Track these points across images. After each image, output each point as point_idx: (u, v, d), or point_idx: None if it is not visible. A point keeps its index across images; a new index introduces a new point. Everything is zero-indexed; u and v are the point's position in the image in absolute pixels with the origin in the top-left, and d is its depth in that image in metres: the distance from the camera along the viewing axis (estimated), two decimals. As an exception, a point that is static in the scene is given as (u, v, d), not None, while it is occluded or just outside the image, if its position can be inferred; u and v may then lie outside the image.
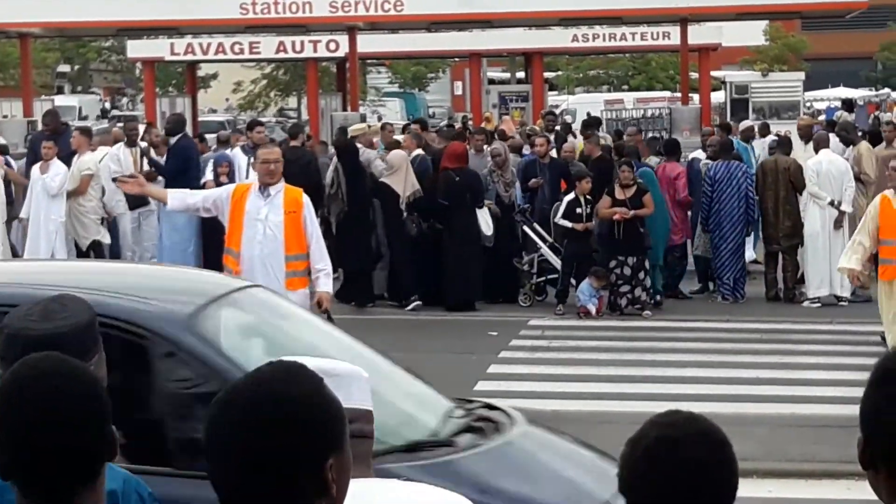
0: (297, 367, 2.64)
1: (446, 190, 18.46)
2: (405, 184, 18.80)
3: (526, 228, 19.16)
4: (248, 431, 2.51)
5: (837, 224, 18.68)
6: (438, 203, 18.49)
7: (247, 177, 18.85)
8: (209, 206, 11.57)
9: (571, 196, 18.50)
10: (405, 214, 18.72)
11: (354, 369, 3.46)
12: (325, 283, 11.48)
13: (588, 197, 18.40)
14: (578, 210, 18.36)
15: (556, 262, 18.68)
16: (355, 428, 3.28)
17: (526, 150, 21.70)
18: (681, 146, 21.10)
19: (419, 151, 19.71)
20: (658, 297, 18.71)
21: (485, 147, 20.78)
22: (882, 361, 2.68)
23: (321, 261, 11.44)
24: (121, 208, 20.23)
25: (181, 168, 19.42)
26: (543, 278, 19.10)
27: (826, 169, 18.79)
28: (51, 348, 2.94)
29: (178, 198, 11.86)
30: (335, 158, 19.45)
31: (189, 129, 31.00)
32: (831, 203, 18.67)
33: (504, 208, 19.19)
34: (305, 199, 11.64)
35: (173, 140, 20.44)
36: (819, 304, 18.56)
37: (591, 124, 24.99)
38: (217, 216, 11.72)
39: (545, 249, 18.87)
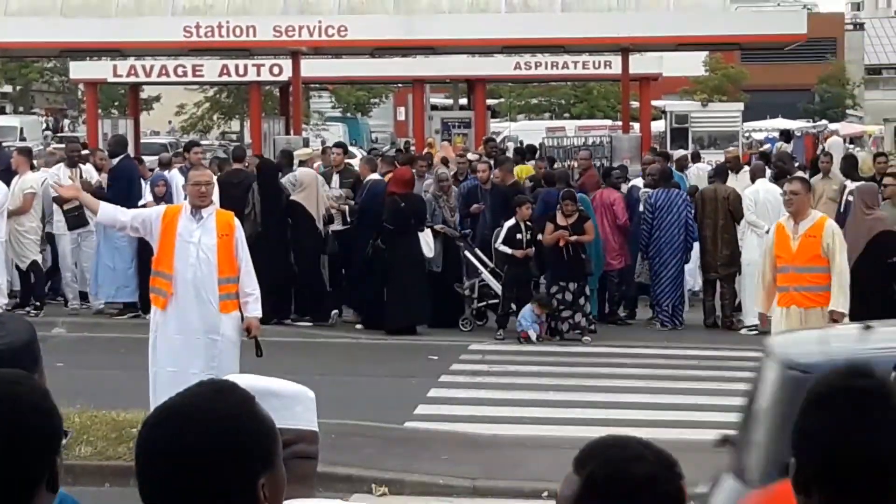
0: (227, 387, 2.62)
1: (391, 214, 18.54)
2: (317, 202, 19.01)
3: (467, 253, 19.25)
4: (176, 455, 2.50)
5: None
6: (383, 227, 18.61)
7: (185, 198, 18.85)
8: (137, 226, 11.48)
9: (512, 222, 18.61)
10: (327, 232, 19.16)
11: (300, 390, 3.45)
12: (255, 309, 11.45)
13: (528, 223, 18.54)
14: (519, 236, 18.47)
15: (497, 287, 18.77)
16: (298, 449, 3.31)
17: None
18: (612, 173, 21.28)
19: (373, 176, 19.83)
20: (592, 325, 18.78)
21: (425, 173, 20.92)
22: (815, 386, 2.71)
23: (250, 285, 11.41)
24: (61, 229, 20.15)
25: (124, 189, 19.36)
26: (484, 303, 19.19)
27: (763, 198, 18.99)
28: None
29: (109, 212, 11.77)
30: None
31: (131, 151, 30.90)
32: (768, 231, 18.86)
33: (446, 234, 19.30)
34: (236, 222, 11.63)
35: (115, 161, 20.42)
36: (756, 332, 18.71)
37: (521, 151, 25.23)
38: (144, 236, 11.69)
39: (486, 274, 18.96)
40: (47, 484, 2.69)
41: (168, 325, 11.36)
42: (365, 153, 35.84)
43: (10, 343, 3.56)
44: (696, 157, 28.98)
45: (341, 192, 19.98)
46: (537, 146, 30.68)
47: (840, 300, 12.06)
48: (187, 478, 2.49)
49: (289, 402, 3.31)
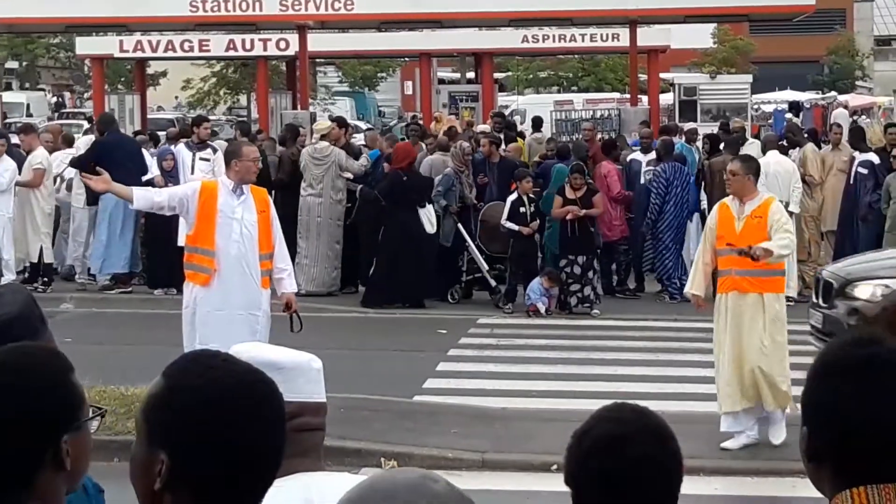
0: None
1: (391, 189, 18.57)
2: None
3: (460, 227, 19.21)
4: None
5: None
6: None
7: (192, 172, 18.85)
8: (174, 205, 11.37)
9: (514, 196, 18.60)
10: None
11: (303, 361, 3.40)
12: (290, 284, 11.52)
13: (531, 196, 18.54)
14: (522, 209, 18.46)
15: (482, 262, 18.76)
16: (301, 421, 3.28)
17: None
18: (618, 146, 21.25)
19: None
20: (599, 298, 18.76)
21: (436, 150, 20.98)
22: (823, 355, 2.71)
23: (283, 260, 11.45)
24: (79, 202, 20.21)
25: (111, 164, 19.32)
26: (471, 276, 19.17)
27: (774, 170, 18.93)
28: None
29: (144, 196, 11.66)
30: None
31: (138, 127, 30.87)
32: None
33: (465, 208, 19.26)
34: (270, 198, 11.70)
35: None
36: None
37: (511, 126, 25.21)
38: (180, 214, 11.60)
39: (472, 248, 18.93)
40: (53, 463, 2.65)
41: (210, 302, 11.23)
42: (371, 127, 35.82)
43: (2, 315, 3.51)
44: (725, 128, 28.80)
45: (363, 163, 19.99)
46: (540, 119, 30.54)
47: (775, 252, 11.23)
48: None
49: (291, 375, 3.27)
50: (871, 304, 14.24)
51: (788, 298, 18.74)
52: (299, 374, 3.34)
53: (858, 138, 21.06)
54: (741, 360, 11.45)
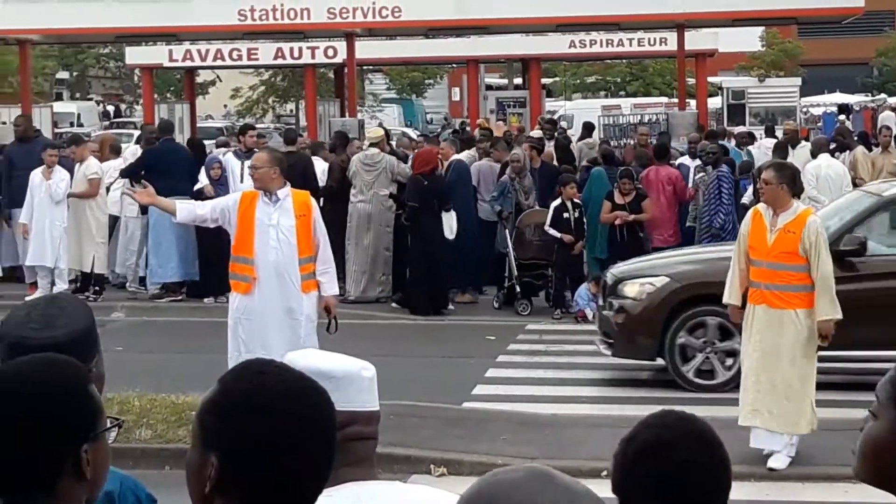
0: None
1: (415, 193, 18.67)
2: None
3: (506, 233, 19.22)
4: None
5: None
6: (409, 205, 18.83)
7: (241, 181, 18.95)
8: (217, 217, 11.54)
9: (558, 202, 18.59)
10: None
11: (354, 370, 3.37)
12: (332, 287, 11.64)
13: (576, 201, 18.52)
14: (566, 215, 18.45)
15: (514, 268, 18.77)
16: (351, 431, 3.27)
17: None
18: (670, 150, 21.21)
19: (457, 156, 20.07)
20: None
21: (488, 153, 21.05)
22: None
23: (325, 263, 11.54)
24: (132, 211, 20.35)
25: (160, 173, 19.52)
26: (512, 283, 19.12)
27: (825, 173, 18.85)
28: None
29: (187, 209, 11.83)
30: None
31: (188, 136, 31.05)
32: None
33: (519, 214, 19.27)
34: (313, 201, 11.77)
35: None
36: None
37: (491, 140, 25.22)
38: (223, 226, 11.72)
39: (510, 255, 18.91)
40: (74, 472, 2.70)
41: (253, 309, 11.39)
42: (419, 134, 35.89)
43: (71, 331, 3.55)
44: (770, 132, 28.86)
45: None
46: (591, 124, 30.53)
47: (826, 306, 10.83)
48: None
49: (342, 383, 3.26)
50: (636, 302, 14.24)
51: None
52: (350, 382, 3.32)
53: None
54: (758, 374, 11.01)
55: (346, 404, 3.23)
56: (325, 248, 11.57)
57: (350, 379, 3.33)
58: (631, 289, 14.32)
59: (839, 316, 10.86)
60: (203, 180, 19.62)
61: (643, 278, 14.42)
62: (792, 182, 11.13)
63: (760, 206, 11.30)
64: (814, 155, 19.65)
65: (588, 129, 27.98)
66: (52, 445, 2.67)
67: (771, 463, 10.93)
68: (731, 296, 11.32)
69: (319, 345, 10.67)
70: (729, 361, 13.82)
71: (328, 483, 3.06)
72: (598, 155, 21.90)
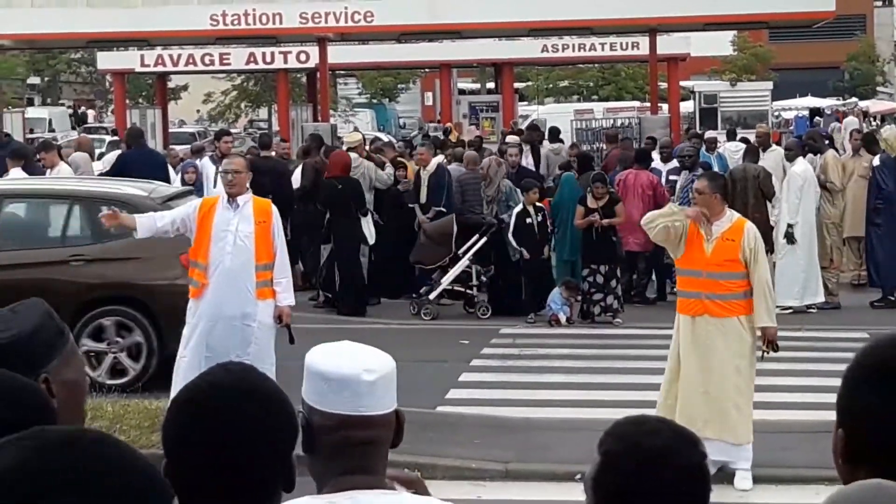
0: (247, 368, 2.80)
1: (327, 197, 18.69)
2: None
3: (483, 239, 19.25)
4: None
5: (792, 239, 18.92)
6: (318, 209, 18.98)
7: (214, 186, 18.96)
8: (178, 226, 11.63)
9: (520, 207, 18.59)
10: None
11: (352, 373, 3.23)
12: (287, 297, 11.72)
13: (538, 205, 18.53)
14: (528, 220, 18.46)
15: (453, 274, 18.78)
16: (340, 436, 3.18)
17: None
18: (650, 156, 21.27)
19: (438, 159, 20.09)
20: (622, 307, 18.74)
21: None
22: (863, 357, 2.68)
23: (282, 272, 11.63)
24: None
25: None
26: (451, 287, 19.12)
27: (812, 176, 19.05)
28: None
29: (147, 225, 11.83)
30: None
31: (160, 141, 30.96)
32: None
33: (474, 223, 19.17)
34: (274, 209, 11.78)
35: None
36: (790, 311, 18.66)
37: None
38: (185, 234, 11.75)
39: (463, 261, 18.90)
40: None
41: (204, 313, 11.46)
42: (393, 139, 35.88)
43: (15, 335, 3.35)
44: (732, 135, 28.98)
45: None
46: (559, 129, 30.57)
47: (765, 314, 10.84)
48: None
49: (336, 387, 3.17)
50: None
51: (809, 306, 18.90)
52: (345, 386, 3.20)
53: (870, 141, 21.01)
54: (704, 385, 10.89)
55: (337, 408, 3.18)
56: (283, 256, 11.66)
57: (345, 382, 3.22)
58: None
59: (775, 324, 10.91)
60: (176, 183, 19.67)
61: None
62: (724, 191, 11.16)
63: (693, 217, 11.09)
64: (790, 160, 19.71)
65: (554, 134, 28.05)
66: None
67: (740, 485, 10.81)
68: (674, 211, 11.28)
69: (295, 349, 10.67)
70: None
71: (327, 489, 3.05)
72: (574, 158, 21.92)
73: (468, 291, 19.04)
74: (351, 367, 3.23)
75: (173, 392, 10.80)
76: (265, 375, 2.81)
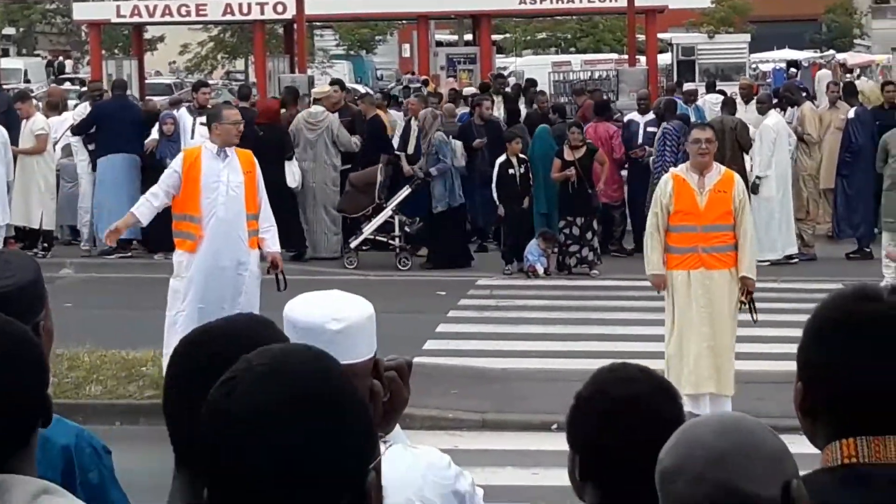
0: (268, 322, 2.79)
1: (253, 145, 18.82)
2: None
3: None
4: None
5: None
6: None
7: (192, 137, 18.90)
8: (172, 193, 11.51)
9: (503, 158, 18.60)
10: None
11: (316, 322, 3.23)
12: (275, 244, 11.73)
13: (521, 157, 18.53)
14: (511, 171, 18.46)
15: (376, 224, 18.93)
16: None
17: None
18: (611, 107, 21.32)
19: (427, 111, 20.07)
20: (599, 258, 18.79)
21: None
22: (823, 310, 2.69)
23: (267, 220, 11.64)
24: (83, 168, 20.28)
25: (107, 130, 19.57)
26: (373, 236, 19.26)
27: (784, 128, 19.10)
28: None
29: (146, 210, 11.68)
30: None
31: (137, 92, 30.81)
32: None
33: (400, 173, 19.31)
34: (255, 160, 11.78)
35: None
36: (768, 263, 18.68)
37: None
38: (177, 195, 11.67)
39: (387, 211, 18.96)
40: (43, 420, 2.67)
41: (201, 266, 11.39)
42: (370, 91, 35.78)
43: (16, 282, 3.52)
44: (711, 87, 28.96)
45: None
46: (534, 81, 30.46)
47: (749, 265, 10.95)
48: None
49: (302, 335, 3.13)
50: None
51: (790, 256, 18.95)
52: (310, 334, 3.16)
53: (850, 94, 21.03)
54: (710, 339, 10.98)
55: None
56: (267, 206, 11.70)
57: (310, 330, 3.20)
58: None
59: (755, 277, 11.05)
60: (154, 134, 19.66)
61: None
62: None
63: (679, 170, 11.17)
64: (763, 112, 19.72)
65: (531, 85, 27.97)
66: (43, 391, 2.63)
67: None
68: (657, 265, 11.14)
69: (274, 301, 10.67)
70: None
71: None
72: (549, 108, 21.90)
73: (391, 242, 19.09)
74: (320, 316, 3.22)
75: (167, 347, 10.79)
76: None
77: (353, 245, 18.99)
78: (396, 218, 18.98)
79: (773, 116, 19.38)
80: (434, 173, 18.83)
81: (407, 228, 19.06)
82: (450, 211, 18.91)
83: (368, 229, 18.94)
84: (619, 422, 2.78)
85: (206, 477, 2.06)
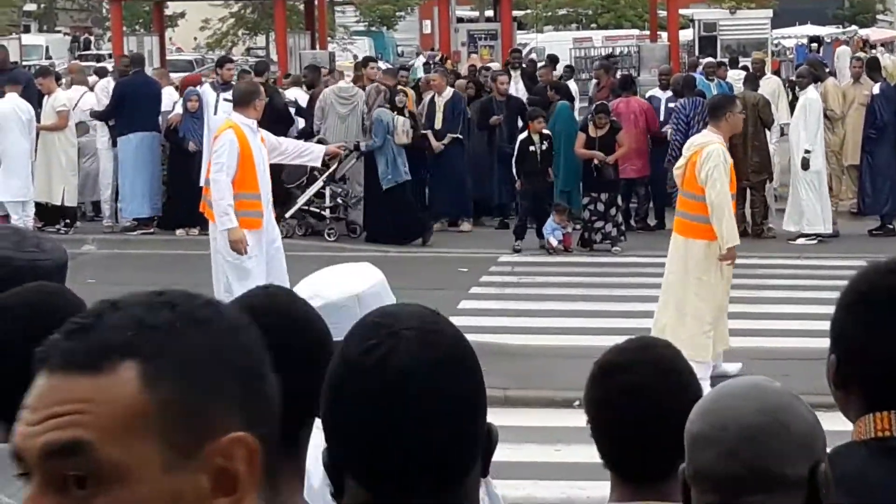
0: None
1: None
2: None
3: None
4: None
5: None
6: None
7: (215, 113, 18.88)
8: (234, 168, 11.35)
9: (524, 135, 18.55)
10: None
11: (338, 300, 3.31)
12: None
13: (545, 132, 18.47)
14: (532, 148, 18.41)
15: (307, 195, 19.14)
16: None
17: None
18: (635, 82, 21.27)
19: (451, 90, 20.04)
20: (623, 235, 18.77)
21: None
22: (856, 283, 2.70)
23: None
24: (104, 144, 20.32)
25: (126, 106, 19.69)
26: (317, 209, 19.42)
27: (819, 107, 19.01)
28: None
29: (230, 210, 11.37)
30: None
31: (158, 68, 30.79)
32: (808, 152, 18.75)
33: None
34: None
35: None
36: (816, 241, 18.60)
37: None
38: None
39: (318, 183, 19.04)
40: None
41: (263, 242, 11.42)
42: (392, 66, 35.70)
43: (56, 259, 3.58)
44: (734, 63, 28.86)
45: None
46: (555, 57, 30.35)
47: (719, 236, 11.13)
48: None
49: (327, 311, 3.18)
50: None
51: (819, 235, 18.88)
52: (333, 311, 3.18)
53: (873, 69, 20.89)
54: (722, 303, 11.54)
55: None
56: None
57: (334, 308, 3.25)
58: None
59: (725, 248, 11.23)
60: (178, 110, 19.70)
61: None
62: None
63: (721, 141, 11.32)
64: (804, 86, 19.44)
65: (553, 61, 27.89)
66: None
67: None
68: (738, 238, 11.56)
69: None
70: None
71: None
72: (548, 85, 21.81)
73: (322, 213, 19.26)
74: (305, 292, 3.24)
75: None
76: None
77: (287, 215, 18.94)
78: (328, 189, 19.07)
79: (812, 91, 19.23)
80: (363, 148, 18.96)
81: (339, 200, 19.17)
82: (397, 187, 18.83)
83: (302, 199, 19.15)
84: (602, 389, 2.84)
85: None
